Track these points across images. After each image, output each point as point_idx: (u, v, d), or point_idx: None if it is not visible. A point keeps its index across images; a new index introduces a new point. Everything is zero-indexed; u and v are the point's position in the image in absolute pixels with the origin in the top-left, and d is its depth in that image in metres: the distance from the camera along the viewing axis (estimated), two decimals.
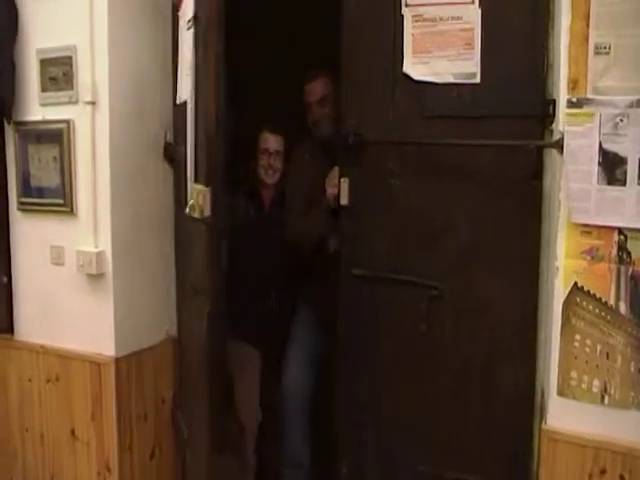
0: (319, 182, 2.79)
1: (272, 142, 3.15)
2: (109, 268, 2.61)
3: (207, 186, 2.32)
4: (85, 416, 2.71)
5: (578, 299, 1.87)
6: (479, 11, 2.10)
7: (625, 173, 1.79)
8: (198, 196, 2.31)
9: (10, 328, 2.88)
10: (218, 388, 2.50)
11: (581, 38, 1.83)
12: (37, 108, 2.69)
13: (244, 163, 3.25)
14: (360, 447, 2.38)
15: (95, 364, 2.66)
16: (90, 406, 2.69)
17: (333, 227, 2.61)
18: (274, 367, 3.16)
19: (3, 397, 2.92)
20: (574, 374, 1.89)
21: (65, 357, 2.74)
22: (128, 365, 2.67)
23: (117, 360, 2.63)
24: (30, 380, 2.84)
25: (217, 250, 2.45)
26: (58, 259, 2.72)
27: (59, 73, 2.62)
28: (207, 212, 2.32)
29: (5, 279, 2.84)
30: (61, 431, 2.78)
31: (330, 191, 2.67)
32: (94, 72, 2.55)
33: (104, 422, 2.67)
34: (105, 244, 2.61)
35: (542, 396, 2.06)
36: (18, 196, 2.78)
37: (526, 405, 2.11)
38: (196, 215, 2.32)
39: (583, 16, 1.82)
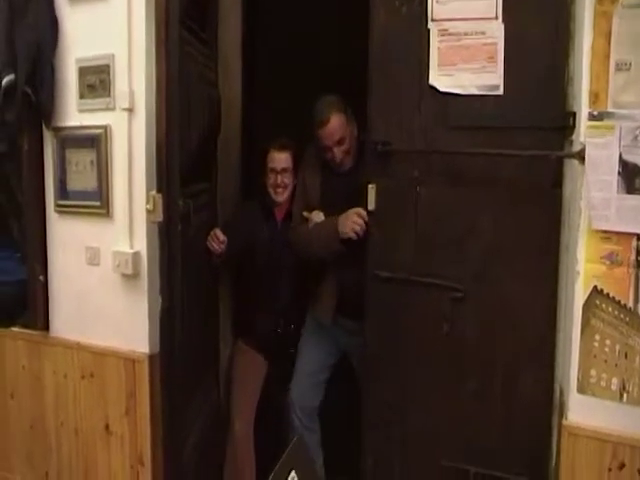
0: (323, 191, 2.90)
1: (278, 161, 3.10)
2: (144, 268, 2.68)
3: (159, 192, 2.47)
4: (119, 411, 2.77)
5: (598, 301, 1.97)
6: (502, 26, 2.19)
7: None
8: (152, 201, 2.48)
9: (46, 325, 2.94)
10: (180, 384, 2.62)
11: (602, 55, 1.93)
12: (75, 114, 2.76)
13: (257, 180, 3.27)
14: (386, 443, 2.46)
15: (129, 360, 2.73)
16: (124, 401, 2.75)
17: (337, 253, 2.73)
18: (284, 378, 3.21)
19: (39, 392, 2.98)
20: (593, 372, 1.99)
21: (100, 354, 2.80)
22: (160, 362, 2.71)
23: (151, 357, 2.70)
24: (65, 376, 2.90)
25: (171, 251, 2.53)
26: (93, 259, 2.78)
27: (96, 81, 2.69)
28: (159, 217, 2.49)
29: (42, 278, 2.91)
30: (95, 426, 2.85)
31: (348, 230, 2.60)
32: (131, 80, 2.62)
33: (137, 417, 2.73)
34: (140, 245, 2.67)
35: (561, 394, 2.14)
36: (55, 199, 2.84)
37: (546, 402, 2.19)
38: (152, 220, 2.48)
39: (605, 34, 1.92)
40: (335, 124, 2.75)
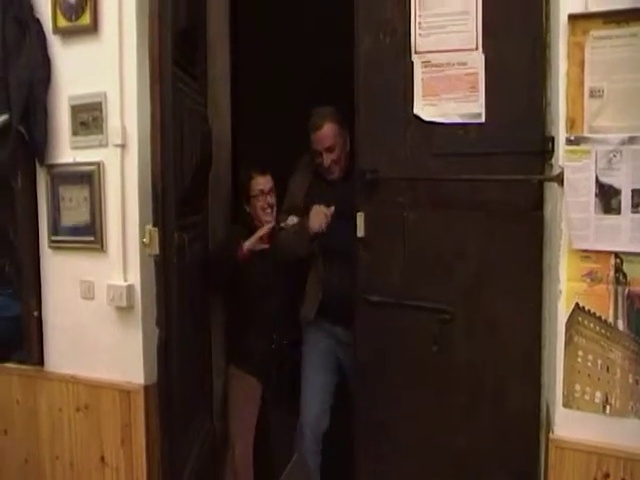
0: (308, 194, 3.05)
1: (264, 183, 3.21)
2: (138, 301, 2.71)
3: (154, 226, 2.53)
4: (115, 442, 2.78)
5: (580, 318, 2.03)
6: (482, 57, 2.30)
7: (620, 203, 1.97)
8: (148, 235, 2.54)
9: (41, 360, 2.95)
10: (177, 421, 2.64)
11: (577, 83, 2.02)
12: (68, 151, 2.80)
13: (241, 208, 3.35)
14: (377, 462, 2.50)
15: (125, 392, 2.74)
16: (120, 432, 2.76)
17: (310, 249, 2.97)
18: (282, 400, 3.29)
19: (34, 426, 2.97)
20: (578, 387, 2.04)
21: (95, 386, 2.81)
22: (156, 392, 2.73)
23: (146, 388, 2.72)
24: (60, 409, 2.90)
25: (168, 284, 2.57)
26: (88, 293, 2.81)
27: (89, 118, 2.74)
28: (155, 250, 2.54)
29: (36, 313, 2.92)
30: (91, 457, 2.84)
31: (316, 224, 2.90)
32: (123, 116, 2.67)
33: (133, 448, 2.74)
34: (134, 278, 2.71)
35: (548, 409, 2.20)
36: (49, 235, 2.87)
37: (533, 418, 2.25)
38: (148, 253, 2.54)
39: (579, 63, 2.01)
40: (327, 131, 2.95)
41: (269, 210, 3.20)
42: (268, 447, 3.37)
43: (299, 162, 3.22)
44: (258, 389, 3.33)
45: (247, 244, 3.06)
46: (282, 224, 3.13)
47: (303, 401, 3.20)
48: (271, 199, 3.21)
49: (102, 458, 2.83)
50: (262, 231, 3.10)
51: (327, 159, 2.99)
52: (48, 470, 2.97)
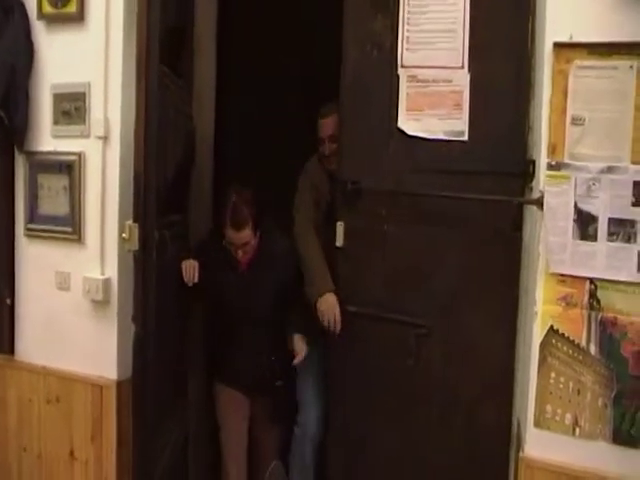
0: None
1: (237, 238, 2.87)
2: (114, 295, 2.71)
3: (135, 222, 2.52)
4: (85, 437, 2.77)
5: (554, 340, 2.07)
6: (468, 76, 2.33)
7: (596, 230, 2.01)
8: (128, 230, 2.52)
9: (11, 349, 2.93)
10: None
11: (560, 109, 2.05)
12: (49, 139, 2.78)
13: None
14: (351, 472, 2.54)
15: (97, 386, 2.73)
16: (90, 427, 2.75)
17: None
18: (269, 414, 3.12)
19: (2, 416, 2.94)
20: (549, 408, 2.09)
21: (66, 379, 2.80)
22: (129, 388, 2.70)
23: (119, 383, 2.71)
24: (30, 400, 2.88)
25: (146, 280, 2.56)
26: (63, 284, 2.80)
27: (72, 108, 2.72)
28: (135, 246, 2.53)
29: (9, 301, 2.90)
30: (59, 451, 2.83)
31: (325, 321, 2.65)
32: (106, 108, 2.66)
33: (104, 443, 2.73)
34: (111, 272, 2.71)
35: (518, 427, 2.24)
36: (25, 222, 2.85)
37: (504, 436, 2.30)
38: (128, 248, 2.54)
39: (562, 90, 2.04)
40: (332, 121, 2.92)
41: (240, 252, 2.92)
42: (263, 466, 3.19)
43: (307, 164, 3.15)
44: (245, 404, 3.17)
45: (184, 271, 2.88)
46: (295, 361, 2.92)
47: (301, 409, 3.14)
48: (245, 249, 2.91)
49: (71, 452, 2.82)
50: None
51: (329, 147, 2.98)
52: (14, 462, 2.95)
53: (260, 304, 2.97)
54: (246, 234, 2.85)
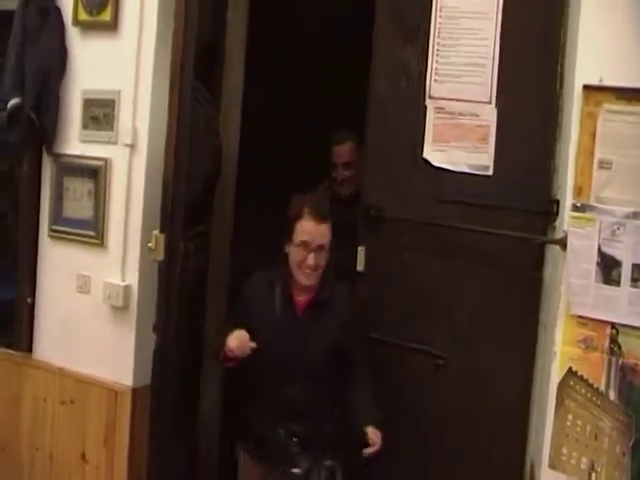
0: None
1: (316, 234, 2.34)
2: (134, 302, 2.73)
3: (161, 232, 2.55)
4: (97, 441, 2.79)
5: (572, 382, 2.07)
6: (495, 111, 2.32)
7: (620, 275, 2.01)
8: (154, 240, 2.56)
9: (29, 347, 2.98)
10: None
11: (587, 152, 2.06)
12: (77, 144, 2.84)
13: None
14: None
15: (112, 391, 2.76)
16: (103, 431, 2.78)
17: None
18: None
19: (16, 414, 2.98)
20: (565, 450, 2.08)
21: (82, 381, 2.83)
22: (145, 396, 2.72)
23: (134, 390, 2.74)
24: (45, 400, 2.91)
25: (168, 291, 2.60)
26: (84, 287, 2.84)
27: (101, 114, 2.77)
28: (160, 256, 2.56)
29: (29, 300, 2.96)
30: (71, 453, 2.86)
31: None
32: (135, 117, 2.70)
33: (116, 449, 2.76)
34: (132, 279, 2.74)
35: (532, 468, 2.23)
36: (50, 224, 2.90)
37: (517, 474, 2.27)
38: (153, 258, 2.56)
39: (590, 133, 2.05)
40: (347, 148, 3.07)
41: (309, 272, 2.34)
42: None
43: (318, 187, 3.22)
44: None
45: (231, 344, 2.29)
46: None
47: None
48: (320, 258, 2.34)
49: (83, 455, 2.85)
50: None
51: (342, 174, 3.09)
52: (26, 461, 2.99)
53: (315, 356, 2.36)
54: (326, 230, 2.34)
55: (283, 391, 2.35)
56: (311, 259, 2.31)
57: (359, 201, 2.79)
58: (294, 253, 2.34)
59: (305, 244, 2.32)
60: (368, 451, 2.23)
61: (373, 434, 2.24)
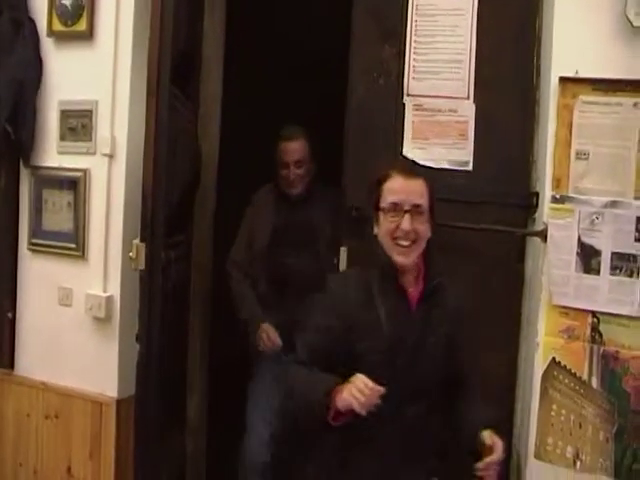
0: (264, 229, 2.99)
1: (408, 190, 1.85)
2: (117, 313, 2.70)
3: (142, 241, 2.51)
4: (83, 454, 2.75)
5: (555, 372, 2.09)
6: (473, 106, 2.35)
7: (599, 264, 2.04)
8: (135, 250, 2.51)
9: (11, 363, 2.92)
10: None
11: (564, 143, 2.09)
12: (54, 155, 2.79)
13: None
14: None
15: (97, 404, 2.72)
16: (89, 444, 2.73)
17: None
18: None
19: None
20: (550, 440, 2.10)
21: (66, 395, 2.78)
22: (129, 407, 2.69)
23: (119, 401, 2.70)
24: (28, 415, 2.86)
25: (150, 300, 2.53)
26: (66, 300, 2.79)
27: (78, 124, 2.73)
28: (141, 265, 2.51)
29: (10, 315, 2.90)
30: (57, 468, 2.81)
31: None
32: (113, 127, 2.67)
33: (102, 461, 2.71)
34: (114, 289, 2.70)
35: (518, 458, 2.24)
36: (29, 237, 2.85)
37: (502, 466, 2.25)
38: (134, 267, 2.52)
39: (567, 125, 2.08)
40: (299, 145, 2.97)
41: (404, 243, 1.84)
42: None
43: (254, 198, 3.15)
44: None
45: (345, 398, 1.67)
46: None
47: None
48: (416, 221, 1.84)
49: (69, 469, 2.79)
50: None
51: (294, 172, 2.98)
52: (10, 476, 2.92)
53: (432, 367, 1.85)
54: (422, 187, 1.86)
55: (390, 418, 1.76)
56: (406, 222, 1.80)
57: (311, 201, 2.86)
58: (383, 224, 1.85)
59: (395, 206, 1.83)
60: (487, 461, 1.74)
61: (490, 438, 1.77)
